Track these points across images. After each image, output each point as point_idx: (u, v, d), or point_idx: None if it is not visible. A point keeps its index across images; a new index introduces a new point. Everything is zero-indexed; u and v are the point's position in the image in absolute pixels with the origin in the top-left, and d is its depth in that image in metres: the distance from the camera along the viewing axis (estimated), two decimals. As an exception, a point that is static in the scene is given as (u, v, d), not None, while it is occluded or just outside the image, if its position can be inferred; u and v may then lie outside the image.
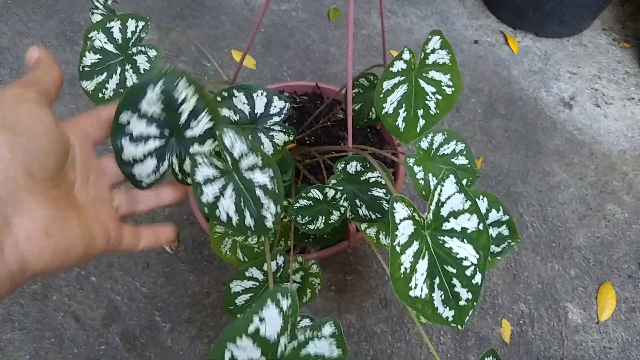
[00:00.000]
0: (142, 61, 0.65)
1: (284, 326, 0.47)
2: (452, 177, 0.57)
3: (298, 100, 1.10)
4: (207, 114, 0.49)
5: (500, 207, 0.73)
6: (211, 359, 0.44)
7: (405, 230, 0.56)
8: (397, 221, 0.55)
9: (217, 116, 0.50)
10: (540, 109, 1.41)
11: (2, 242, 0.29)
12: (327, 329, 0.51)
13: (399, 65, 0.68)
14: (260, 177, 0.51)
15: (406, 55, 0.68)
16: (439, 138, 0.78)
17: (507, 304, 1.08)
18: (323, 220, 0.73)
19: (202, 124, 0.49)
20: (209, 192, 0.50)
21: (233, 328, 0.45)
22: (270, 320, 0.47)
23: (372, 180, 0.73)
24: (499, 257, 0.74)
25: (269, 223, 0.52)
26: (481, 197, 0.72)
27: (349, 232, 0.88)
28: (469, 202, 0.57)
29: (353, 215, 0.74)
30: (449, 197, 0.57)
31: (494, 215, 0.74)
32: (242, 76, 1.39)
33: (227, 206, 0.51)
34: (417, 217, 0.57)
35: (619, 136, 1.37)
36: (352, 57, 0.68)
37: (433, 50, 0.69)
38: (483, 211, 0.73)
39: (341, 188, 0.73)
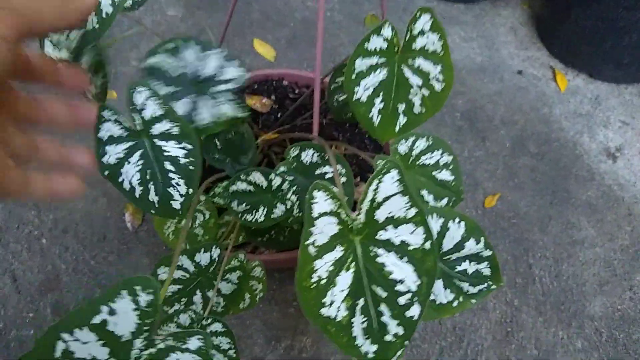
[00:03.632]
0: None
1: (139, 326, 0.37)
2: (394, 172, 0.44)
3: (297, 91, 1.00)
4: None
5: (482, 239, 0.60)
6: (37, 351, 0.34)
7: (325, 228, 0.44)
8: (315, 215, 0.43)
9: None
10: (578, 155, 1.24)
11: None
12: (194, 343, 0.40)
13: (377, 43, 0.57)
14: (174, 149, 0.42)
15: (387, 32, 0.57)
16: (422, 144, 0.65)
17: (491, 364, 0.92)
18: (264, 213, 0.62)
19: None
20: (112, 153, 0.41)
21: (72, 316, 0.35)
22: (122, 314, 0.37)
23: (328, 176, 0.62)
24: (474, 300, 0.60)
25: (175, 204, 0.43)
26: (457, 219, 0.59)
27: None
28: (413, 210, 0.44)
29: (301, 213, 0.63)
30: (387, 198, 0.44)
31: (471, 247, 0.60)
32: (257, 66, 1.32)
33: (131, 174, 0.42)
34: (343, 216, 0.45)
35: (666, 201, 1.18)
36: (322, 28, 0.58)
37: (421, 33, 0.57)
38: (457, 238, 0.59)
39: (291, 178, 0.62)
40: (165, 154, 0.42)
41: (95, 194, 1.05)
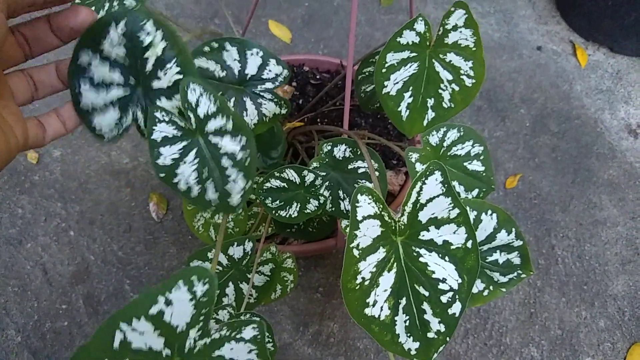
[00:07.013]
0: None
1: (195, 316, 0.37)
2: (438, 174, 0.44)
3: (318, 77, 0.99)
4: (176, 63, 0.40)
5: (513, 229, 0.60)
6: (96, 340, 0.35)
7: (369, 231, 0.44)
8: (359, 218, 0.44)
9: (189, 67, 0.41)
10: (599, 132, 1.23)
11: None
12: (248, 332, 0.40)
13: (409, 37, 0.56)
14: (229, 144, 0.41)
15: (420, 26, 0.56)
16: (453, 135, 0.65)
17: (515, 345, 0.94)
18: (297, 208, 0.62)
19: (170, 74, 0.40)
20: (167, 154, 0.41)
21: (130, 306, 0.36)
22: (179, 305, 0.37)
23: (360, 170, 0.62)
24: (504, 289, 0.61)
25: (233, 200, 0.42)
26: (489, 212, 0.59)
27: (339, 230, 0.77)
28: (456, 210, 0.45)
29: (333, 208, 0.63)
30: (430, 200, 0.45)
31: (503, 237, 0.60)
32: (274, 48, 1.30)
33: (187, 174, 0.42)
34: (386, 218, 0.45)
35: (689, 178, 1.18)
36: (355, 18, 0.56)
37: (455, 27, 0.56)
38: (490, 230, 0.59)
39: (323, 174, 0.62)
40: (222, 151, 0.41)
41: (119, 184, 1.06)
